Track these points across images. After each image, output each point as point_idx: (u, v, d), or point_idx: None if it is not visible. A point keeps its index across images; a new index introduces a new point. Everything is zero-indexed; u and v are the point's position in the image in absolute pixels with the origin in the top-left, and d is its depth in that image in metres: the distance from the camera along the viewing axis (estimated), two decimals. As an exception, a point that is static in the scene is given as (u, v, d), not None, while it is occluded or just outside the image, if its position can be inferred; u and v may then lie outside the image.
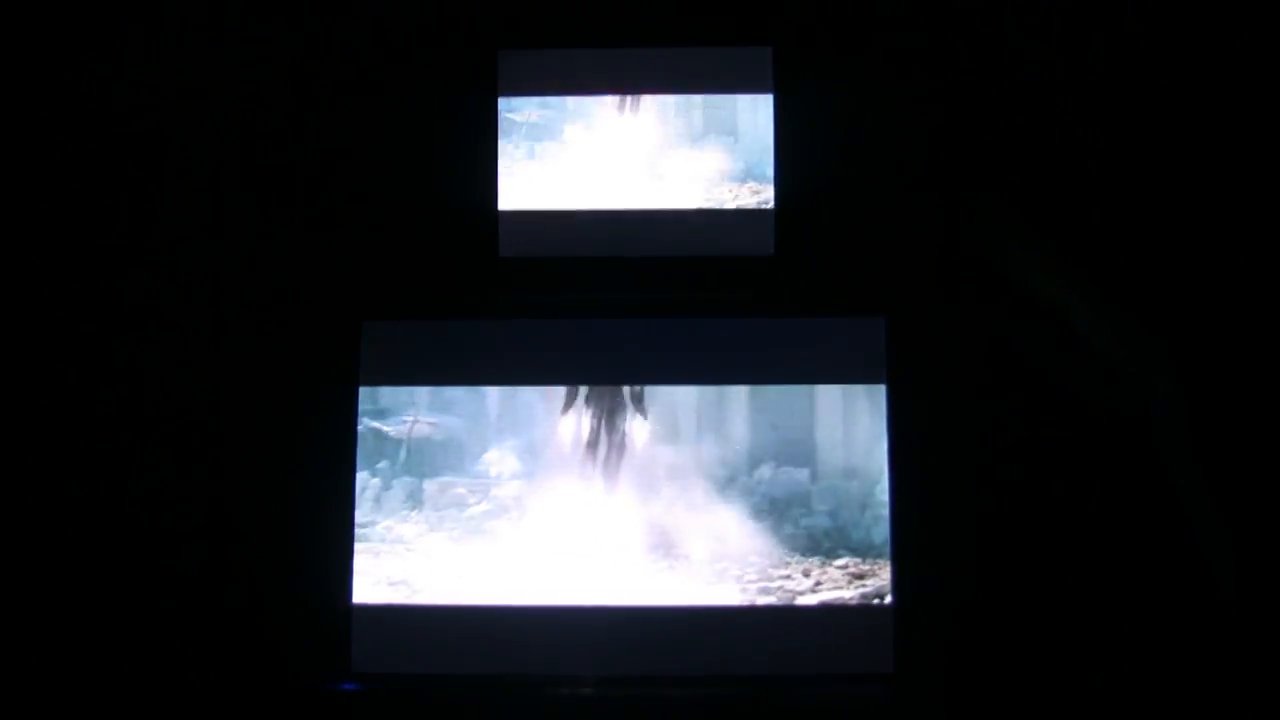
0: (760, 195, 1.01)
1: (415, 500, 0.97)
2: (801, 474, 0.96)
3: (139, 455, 0.99)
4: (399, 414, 0.98)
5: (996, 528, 0.96)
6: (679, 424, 0.97)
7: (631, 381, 0.99)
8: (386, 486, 0.97)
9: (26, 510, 0.98)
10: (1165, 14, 0.99)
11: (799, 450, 0.96)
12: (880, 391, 0.97)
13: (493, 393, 0.98)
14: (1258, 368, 0.97)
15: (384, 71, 1.03)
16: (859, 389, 0.95)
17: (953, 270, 1.00)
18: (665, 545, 0.95)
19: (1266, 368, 0.96)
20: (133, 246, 1.02)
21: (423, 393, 0.98)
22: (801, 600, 0.94)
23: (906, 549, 0.95)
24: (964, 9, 1.01)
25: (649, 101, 1.03)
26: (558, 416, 0.98)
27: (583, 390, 0.98)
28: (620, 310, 1.01)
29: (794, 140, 1.01)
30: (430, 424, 0.98)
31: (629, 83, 1.03)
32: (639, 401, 0.97)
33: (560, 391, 0.98)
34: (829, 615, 0.95)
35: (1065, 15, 1.00)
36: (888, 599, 0.94)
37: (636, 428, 0.97)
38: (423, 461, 0.98)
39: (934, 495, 0.96)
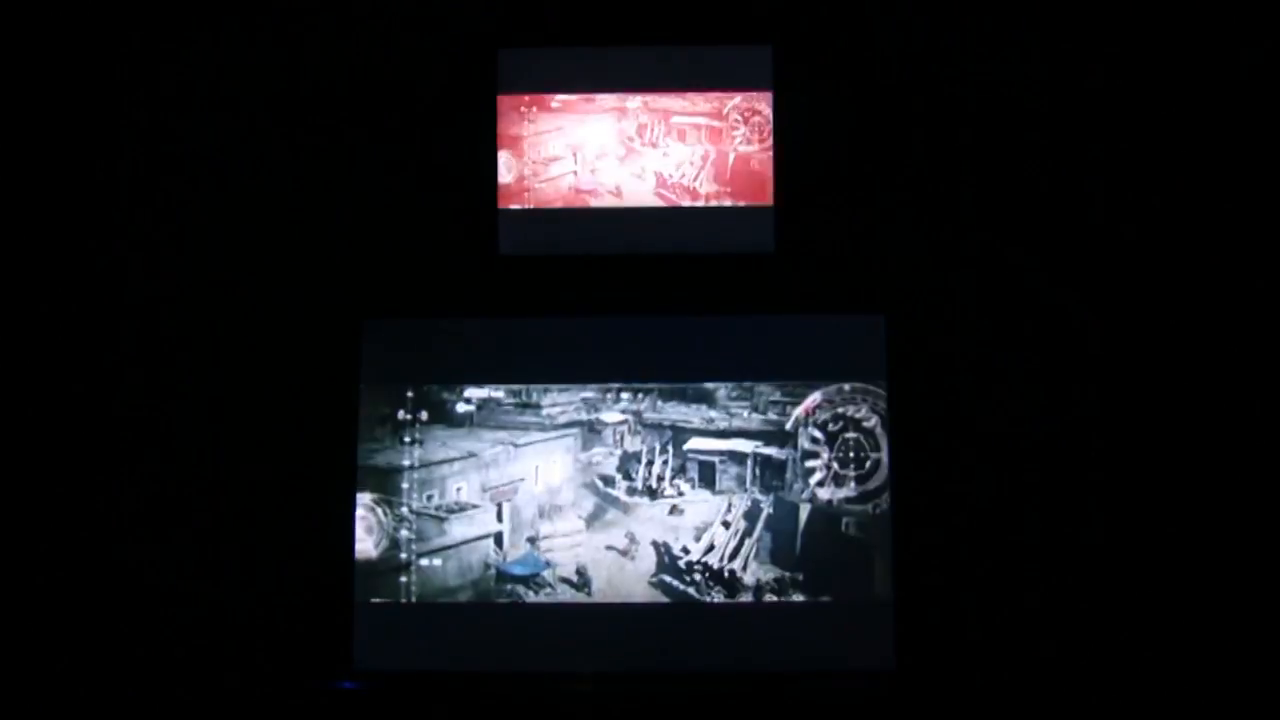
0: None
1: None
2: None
3: (140, 454, 0.99)
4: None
5: (996, 526, 0.96)
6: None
7: (632, 378, 0.99)
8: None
9: (27, 511, 0.98)
10: (1165, 15, 0.99)
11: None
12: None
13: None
14: (1257, 368, 0.97)
15: (384, 71, 1.03)
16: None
17: (951, 269, 1.00)
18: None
19: (1266, 368, 0.96)
20: (133, 247, 1.02)
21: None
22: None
23: (906, 547, 0.96)
24: (963, 9, 1.01)
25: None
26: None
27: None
28: (620, 308, 1.01)
29: (794, 139, 1.01)
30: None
31: (628, 81, 1.03)
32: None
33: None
34: (830, 613, 0.95)
35: (1064, 16, 1.00)
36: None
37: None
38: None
39: (933, 492, 0.96)
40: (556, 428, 0.99)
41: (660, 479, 0.98)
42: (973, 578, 0.96)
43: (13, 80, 1.02)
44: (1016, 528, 0.96)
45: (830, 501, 0.96)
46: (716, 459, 0.98)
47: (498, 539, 0.98)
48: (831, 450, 0.97)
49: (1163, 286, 0.98)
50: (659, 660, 0.96)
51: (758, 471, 0.98)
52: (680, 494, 0.98)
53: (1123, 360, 0.98)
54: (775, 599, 0.96)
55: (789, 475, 0.97)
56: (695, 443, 0.98)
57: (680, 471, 0.98)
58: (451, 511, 0.98)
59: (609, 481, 0.98)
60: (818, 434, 0.97)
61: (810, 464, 0.97)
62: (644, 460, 0.98)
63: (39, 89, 1.02)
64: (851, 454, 0.97)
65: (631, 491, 0.98)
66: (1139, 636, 0.94)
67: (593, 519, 0.98)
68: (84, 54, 1.02)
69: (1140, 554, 0.95)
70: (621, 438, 0.99)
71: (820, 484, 0.97)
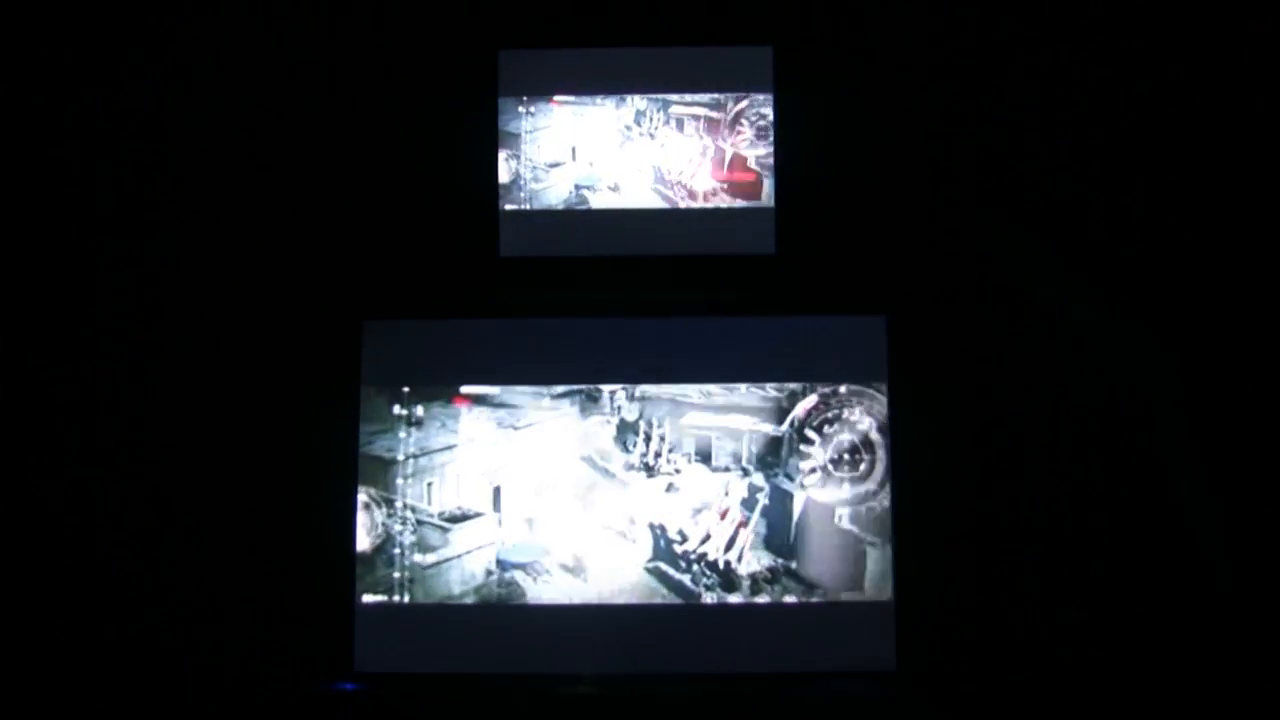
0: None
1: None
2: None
3: (137, 456, 0.99)
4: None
5: (996, 526, 0.96)
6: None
7: (632, 380, 0.99)
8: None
9: (28, 512, 0.97)
10: (1165, 16, 0.99)
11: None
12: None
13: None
14: (1258, 371, 0.97)
15: (385, 72, 1.03)
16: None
17: (953, 270, 1.00)
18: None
19: (1266, 371, 0.97)
20: (134, 247, 1.01)
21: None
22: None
23: (907, 547, 0.96)
24: (963, 10, 1.01)
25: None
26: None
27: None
28: (621, 310, 1.01)
29: (794, 140, 1.01)
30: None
31: (629, 83, 1.03)
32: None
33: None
34: (830, 613, 0.95)
35: (1064, 16, 1.00)
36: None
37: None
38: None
39: (934, 493, 0.96)
40: (555, 398, 0.99)
41: (657, 455, 0.98)
42: (973, 578, 0.95)
43: (8, 78, 1.01)
44: (1018, 528, 0.96)
45: (825, 502, 0.97)
46: (714, 434, 0.98)
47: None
48: (826, 452, 0.97)
49: (1166, 286, 0.98)
50: (660, 661, 0.95)
51: (754, 448, 0.97)
52: (677, 471, 0.97)
53: (1126, 359, 0.98)
54: (769, 588, 0.95)
55: (784, 452, 0.97)
56: (692, 417, 0.98)
57: (677, 445, 0.98)
58: (455, 519, 0.98)
59: (606, 455, 0.98)
60: (813, 435, 0.97)
61: (804, 465, 0.97)
62: (641, 434, 0.98)
63: (34, 86, 1.02)
64: (846, 456, 0.97)
65: (629, 467, 0.98)
66: (1141, 636, 0.94)
67: (590, 498, 0.98)
68: (81, 49, 1.02)
69: (1143, 554, 0.95)
70: (619, 406, 0.99)
71: (816, 485, 0.97)
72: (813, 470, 0.97)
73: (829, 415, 0.98)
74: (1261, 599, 0.93)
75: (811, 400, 0.98)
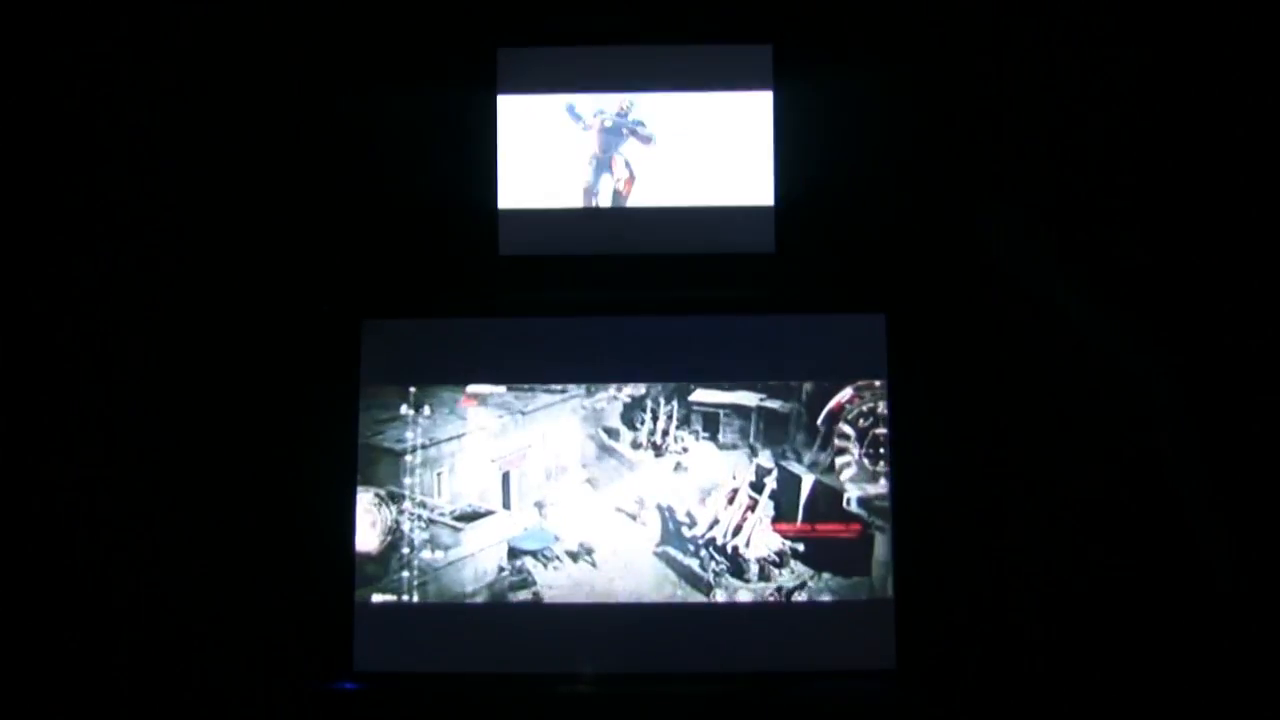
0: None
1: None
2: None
3: (140, 455, 0.98)
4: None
5: (997, 524, 0.96)
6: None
7: (632, 379, 0.99)
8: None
9: (27, 512, 0.97)
10: (1165, 16, 0.99)
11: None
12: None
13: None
14: (1257, 370, 0.97)
15: (384, 71, 1.03)
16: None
17: (953, 268, 1.00)
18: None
19: (1266, 370, 0.97)
20: (133, 247, 1.01)
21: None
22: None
23: (907, 545, 0.96)
24: (963, 9, 1.01)
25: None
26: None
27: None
28: (621, 308, 1.01)
29: (794, 139, 1.01)
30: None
31: (629, 81, 1.03)
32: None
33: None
34: (831, 612, 0.95)
35: (1065, 16, 1.01)
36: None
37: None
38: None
39: (934, 491, 0.97)
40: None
41: (665, 432, 0.98)
42: (974, 577, 0.96)
43: (12, 77, 1.01)
44: (1018, 527, 0.96)
45: (861, 498, 0.97)
46: (721, 411, 0.98)
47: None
48: (862, 446, 0.97)
49: (1164, 283, 0.99)
50: (660, 661, 0.96)
51: (761, 425, 0.98)
52: (684, 449, 0.98)
53: (1124, 356, 0.98)
54: (777, 572, 0.96)
55: (790, 428, 0.98)
56: (700, 394, 0.99)
57: (685, 422, 0.98)
58: (466, 518, 0.98)
59: (613, 434, 0.98)
60: (848, 430, 0.97)
61: (840, 460, 0.97)
62: (648, 410, 0.98)
63: (33, 86, 1.02)
64: (882, 450, 0.97)
65: (636, 445, 0.98)
66: (1141, 636, 0.94)
67: (599, 480, 0.98)
68: (80, 49, 1.02)
69: (1141, 550, 0.95)
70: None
71: (852, 480, 0.97)
72: (850, 467, 0.97)
73: (864, 409, 0.98)
74: (1261, 591, 0.93)
75: (847, 393, 0.98)
